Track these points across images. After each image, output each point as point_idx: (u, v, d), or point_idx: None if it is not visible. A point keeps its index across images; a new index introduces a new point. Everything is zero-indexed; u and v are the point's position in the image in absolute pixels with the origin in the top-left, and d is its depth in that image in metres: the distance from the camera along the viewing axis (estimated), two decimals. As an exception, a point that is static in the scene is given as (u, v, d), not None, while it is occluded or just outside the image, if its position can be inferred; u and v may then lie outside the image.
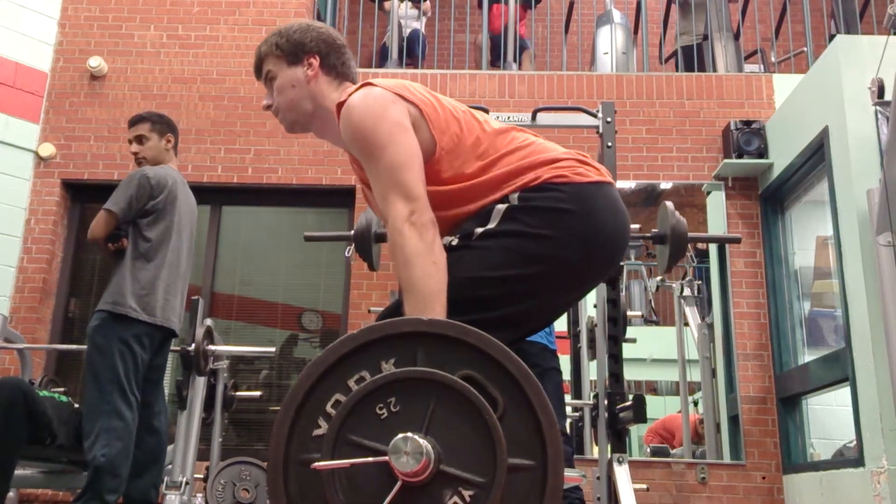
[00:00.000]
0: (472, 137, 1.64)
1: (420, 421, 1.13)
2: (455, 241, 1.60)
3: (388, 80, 1.69)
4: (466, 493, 1.10)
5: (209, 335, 3.74)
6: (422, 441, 1.08)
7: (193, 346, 3.62)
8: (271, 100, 1.80)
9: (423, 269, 1.44)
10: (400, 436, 1.09)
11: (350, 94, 1.63)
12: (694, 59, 5.87)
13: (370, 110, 1.58)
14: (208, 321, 3.90)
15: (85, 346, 3.35)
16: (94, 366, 3.17)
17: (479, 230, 1.57)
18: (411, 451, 1.08)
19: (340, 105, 1.64)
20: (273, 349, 4.43)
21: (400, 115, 1.59)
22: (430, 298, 1.41)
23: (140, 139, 3.47)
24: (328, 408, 1.15)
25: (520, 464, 1.11)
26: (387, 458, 1.10)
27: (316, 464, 1.11)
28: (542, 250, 1.54)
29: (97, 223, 3.28)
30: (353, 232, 3.26)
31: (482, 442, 1.11)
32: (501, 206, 1.58)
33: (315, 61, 1.81)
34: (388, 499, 1.09)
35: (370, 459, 1.11)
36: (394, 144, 1.55)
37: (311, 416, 1.16)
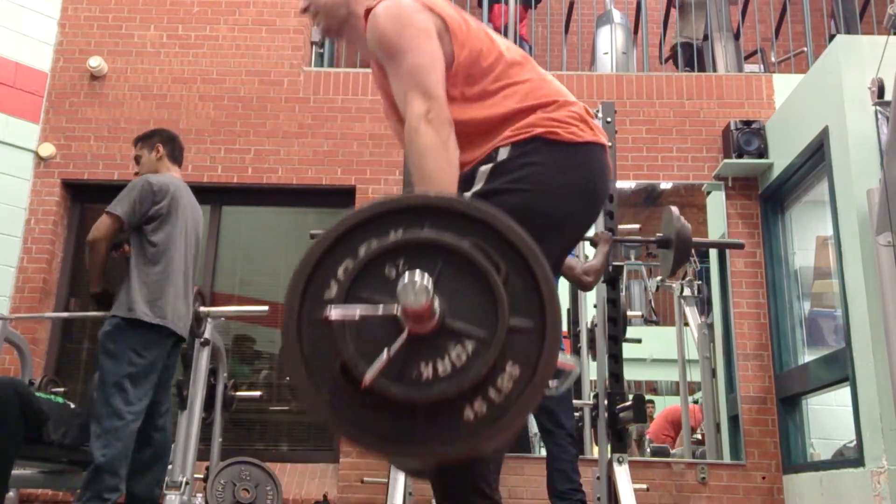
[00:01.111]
0: (490, 59, 1.68)
1: None
2: None
3: None
4: (469, 346, 1.17)
5: (200, 297, 3.78)
6: (428, 282, 1.14)
7: None
8: (308, 2, 1.84)
9: (437, 163, 1.50)
10: (408, 274, 1.14)
11: (380, 1, 1.68)
12: (693, 56, 5.87)
13: (397, 16, 1.63)
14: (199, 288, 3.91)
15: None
16: (104, 370, 3.22)
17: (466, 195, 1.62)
18: (419, 289, 1.13)
19: (369, 11, 1.69)
20: (265, 308, 4.46)
21: (426, 22, 1.63)
22: (442, 189, 1.47)
23: (137, 160, 3.62)
24: (339, 273, 1.22)
25: (520, 325, 1.18)
26: (395, 310, 1.16)
27: (328, 312, 1.17)
28: (518, 202, 1.56)
29: (99, 225, 3.30)
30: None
31: (485, 302, 1.18)
32: (485, 168, 1.62)
33: None
34: (395, 347, 1.15)
35: (380, 309, 1.17)
36: (417, 49, 1.60)
37: (323, 280, 1.22)
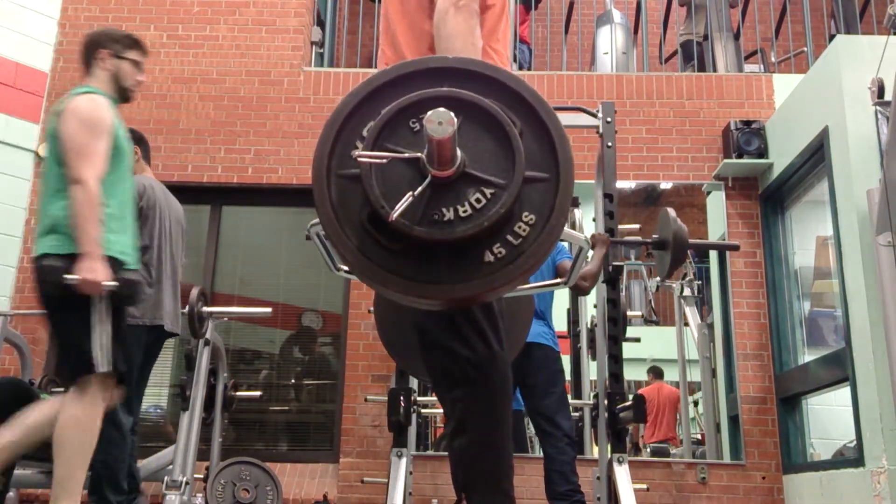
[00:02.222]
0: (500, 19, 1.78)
1: None
2: None
3: None
4: (488, 191, 1.24)
5: (203, 297, 3.78)
6: (452, 116, 1.19)
7: (188, 308, 3.66)
8: None
9: (464, 44, 1.57)
10: (432, 111, 1.20)
11: None
12: (694, 53, 5.87)
13: None
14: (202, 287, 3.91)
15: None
16: None
17: None
18: (444, 118, 1.19)
19: None
20: (269, 309, 4.52)
21: None
22: None
23: None
24: (363, 132, 1.29)
25: (535, 175, 1.26)
26: (420, 154, 1.24)
27: (357, 153, 1.25)
28: None
29: None
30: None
31: (503, 152, 1.25)
32: None
33: None
34: (420, 189, 1.22)
35: (405, 153, 1.25)
36: None
37: (349, 138, 1.29)
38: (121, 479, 3.17)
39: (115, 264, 2.57)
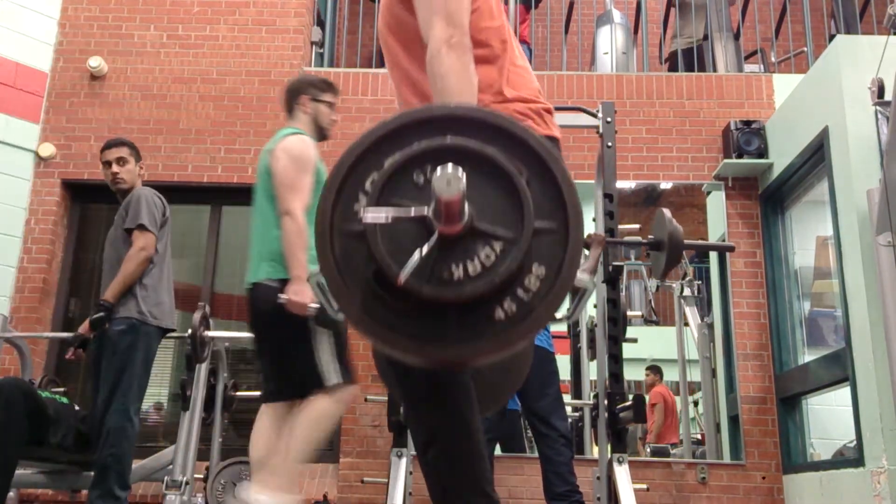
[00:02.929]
0: (494, 24, 1.73)
1: None
2: None
3: None
4: (497, 247, 1.21)
5: (205, 321, 3.78)
6: (461, 173, 1.15)
7: (190, 332, 3.67)
8: None
9: (459, 85, 1.53)
10: (440, 168, 1.16)
11: None
12: (694, 61, 5.87)
13: None
14: (206, 310, 3.91)
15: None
16: (116, 369, 3.29)
17: None
18: (452, 178, 1.15)
19: None
20: None
21: None
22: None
23: (121, 161, 3.62)
24: (367, 185, 1.25)
25: (545, 227, 1.23)
26: (426, 211, 1.20)
27: (362, 214, 1.20)
28: None
29: (147, 244, 3.42)
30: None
31: (511, 204, 1.22)
32: None
33: None
34: (428, 246, 1.19)
35: (411, 211, 1.21)
36: None
37: (351, 192, 1.25)
38: (127, 474, 3.23)
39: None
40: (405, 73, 1.77)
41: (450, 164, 1.16)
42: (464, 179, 1.15)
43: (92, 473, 3.30)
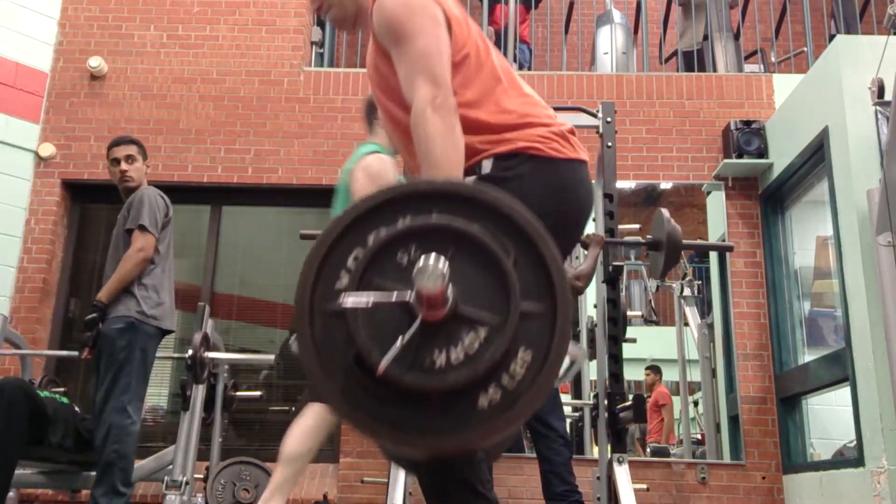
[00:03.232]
0: (485, 69, 1.69)
1: None
2: None
3: None
4: (482, 333, 1.16)
5: (206, 342, 3.77)
6: (444, 265, 1.12)
7: (190, 352, 3.67)
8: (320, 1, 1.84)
9: (444, 148, 1.50)
10: (423, 257, 1.13)
11: None
12: (694, 63, 5.87)
13: (407, 1, 1.62)
14: (209, 324, 3.91)
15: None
16: (114, 367, 3.28)
17: None
18: (435, 272, 1.12)
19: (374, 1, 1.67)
20: (272, 356, 4.44)
21: (435, 11, 1.63)
22: (449, 174, 1.48)
23: (130, 159, 3.60)
24: (349, 262, 1.21)
25: (531, 309, 1.18)
26: (408, 296, 1.16)
27: (343, 299, 1.16)
28: None
29: (146, 245, 3.41)
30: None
31: (497, 287, 1.18)
32: (469, 180, 1.62)
33: None
34: (409, 334, 1.15)
35: (393, 296, 1.16)
36: (427, 34, 1.59)
37: (333, 270, 1.21)
38: (131, 471, 3.25)
39: None
40: (398, 122, 1.72)
41: (433, 255, 1.12)
42: (447, 271, 1.12)
43: (92, 473, 3.31)
